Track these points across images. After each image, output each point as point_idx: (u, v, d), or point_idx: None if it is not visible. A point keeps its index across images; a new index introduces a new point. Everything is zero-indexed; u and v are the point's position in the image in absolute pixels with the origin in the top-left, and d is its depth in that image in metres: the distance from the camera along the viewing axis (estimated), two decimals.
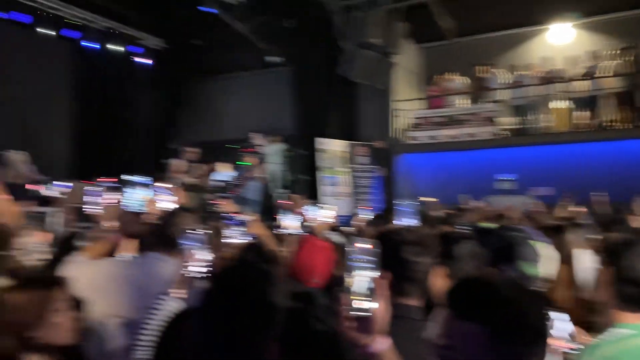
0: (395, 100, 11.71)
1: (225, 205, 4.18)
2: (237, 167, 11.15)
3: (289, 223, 3.27)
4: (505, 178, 11.02)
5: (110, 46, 12.21)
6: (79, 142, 13.33)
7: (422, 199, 6.96)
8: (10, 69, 11.33)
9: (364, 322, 1.14)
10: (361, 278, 1.15)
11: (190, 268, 1.88)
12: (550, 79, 10.81)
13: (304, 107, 12.26)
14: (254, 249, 2.75)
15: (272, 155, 12.46)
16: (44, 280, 1.74)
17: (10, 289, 1.61)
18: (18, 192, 8.19)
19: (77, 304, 2.12)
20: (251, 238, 3.26)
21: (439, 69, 12.10)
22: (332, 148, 11.28)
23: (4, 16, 10.25)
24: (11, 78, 11.35)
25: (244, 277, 1.34)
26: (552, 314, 1.53)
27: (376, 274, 1.16)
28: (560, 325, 1.50)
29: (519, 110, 11.06)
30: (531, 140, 10.64)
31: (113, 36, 12.17)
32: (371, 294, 1.14)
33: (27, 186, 8.67)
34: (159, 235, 2.31)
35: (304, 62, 12.29)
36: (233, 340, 1.19)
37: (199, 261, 1.88)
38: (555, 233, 3.30)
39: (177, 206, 2.46)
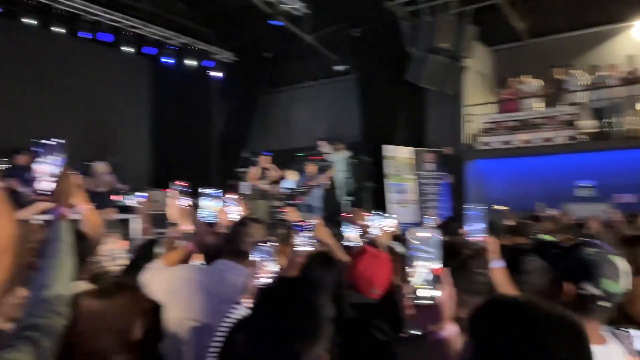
0: (467, 105, 11.39)
1: (291, 213, 4.23)
2: (303, 175, 11.32)
3: (350, 235, 3.28)
4: (584, 185, 10.42)
5: (185, 61, 12.83)
6: (157, 153, 14.10)
7: (494, 207, 6.69)
8: (94, 85, 12.21)
9: (430, 311, 1.13)
10: (423, 268, 1.15)
11: (259, 277, 1.94)
12: (634, 79, 10.12)
13: (370, 114, 12.26)
14: (320, 258, 2.76)
15: (338, 162, 12.54)
16: (129, 285, 1.86)
17: (99, 295, 1.73)
18: (100, 200, 8.78)
19: (155, 307, 2.25)
20: (316, 243, 3.28)
21: (511, 71, 11.68)
22: (399, 155, 11.19)
23: (89, 36, 11.05)
24: (95, 93, 12.23)
25: (290, 289, 1.35)
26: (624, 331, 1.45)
27: (438, 263, 1.15)
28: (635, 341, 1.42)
29: (599, 112, 10.42)
30: (613, 145, 9.97)
31: (187, 52, 12.78)
32: (434, 282, 1.14)
33: (109, 195, 9.26)
34: (229, 244, 2.40)
35: (371, 70, 12.30)
36: (279, 352, 1.20)
37: (267, 271, 1.93)
38: (637, 243, 3.11)
39: (244, 215, 2.53)
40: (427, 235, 1.16)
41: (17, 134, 9.39)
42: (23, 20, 10.05)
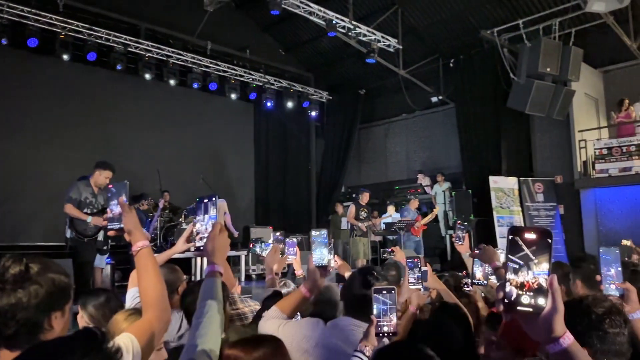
0: (579, 131, 10.68)
1: (398, 253, 4.13)
2: (403, 209, 11.16)
3: (479, 274, 3.09)
4: None
5: (284, 103, 13.40)
6: (260, 190, 14.68)
7: (623, 242, 6.10)
8: (204, 130, 13.09)
9: (539, 320, 1.02)
10: (529, 275, 1.04)
11: (380, 331, 1.89)
12: None
13: (470, 145, 11.92)
14: (449, 310, 2.59)
15: (439, 195, 12.26)
16: (271, 337, 1.89)
17: (243, 347, 1.76)
18: None
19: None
20: (430, 291, 3.16)
21: (624, 92, 10.86)
22: (505, 186, 10.71)
23: (196, 86, 11.94)
24: (205, 137, 13.08)
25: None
26: None
27: (545, 272, 1.02)
28: None
29: None
30: None
31: (286, 94, 13.35)
32: (542, 290, 1.01)
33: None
34: (352, 302, 2.33)
35: (468, 99, 12.04)
36: None
37: (385, 324, 1.88)
38: None
39: (364, 269, 2.47)
40: (533, 237, 1.02)
41: (138, 179, 10.22)
42: (141, 75, 11.08)
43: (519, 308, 1.02)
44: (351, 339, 2.15)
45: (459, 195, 11.40)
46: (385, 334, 1.85)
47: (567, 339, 1.04)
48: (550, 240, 1.02)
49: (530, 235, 1.02)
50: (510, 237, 1.04)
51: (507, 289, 1.03)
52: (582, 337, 1.48)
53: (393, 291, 1.90)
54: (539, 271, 1.02)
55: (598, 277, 2.68)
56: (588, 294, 2.51)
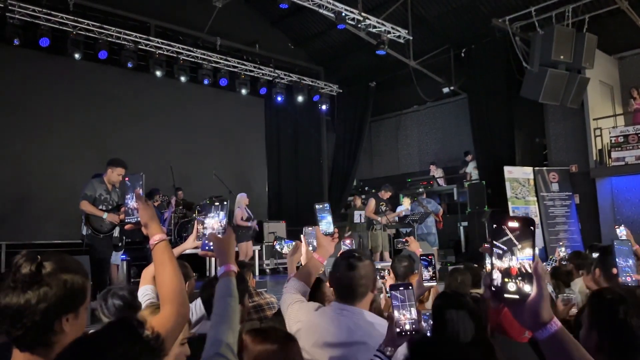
0: (594, 119, 10.52)
1: (412, 243, 4.08)
2: (417, 201, 11.08)
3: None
4: None
5: (294, 97, 13.38)
6: (273, 184, 14.68)
7: None
8: (216, 125, 13.11)
9: (525, 307, 1.02)
10: (513, 260, 1.02)
11: (400, 329, 1.84)
12: None
13: (484, 135, 11.81)
14: (446, 300, 2.51)
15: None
16: (283, 335, 1.87)
17: (263, 338, 1.76)
18: (243, 233, 9.17)
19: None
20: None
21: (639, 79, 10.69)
22: (520, 176, 10.60)
23: (207, 82, 11.96)
24: (219, 132, 13.10)
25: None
26: None
27: (529, 257, 1.01)
28: None
29: None
30: None
31: (297, 88, 13.31)
32: (526, 276, 1.01)
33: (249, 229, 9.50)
34: (341, 286, 2.27)
35: (481, 89, 11.92)
36: None
37: (406, 322, 1.83)
38: None
39: (348, 252, 2.44)
40: (516, 225, 1.02)
41: (151, 176, 10.26)
42: (152, 72, 11.11)
43: (505, 295, 1.04)
44: (340, 322, 2.15)
45: (472, 186, 11.31)
46: (408, 332, 1.79)
47: (555, 325, 1.05)
48: (533, 228, 1.04)
49: (513, 223, 1.04)
50: (493, 223, 1.06)
51: (494, 275, 1.04)
52: (608, 333, 1.47)
53: (410, 287, 1.85)
54: (523, 256, 1.03)
55: (614, 270, 2.63)
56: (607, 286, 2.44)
